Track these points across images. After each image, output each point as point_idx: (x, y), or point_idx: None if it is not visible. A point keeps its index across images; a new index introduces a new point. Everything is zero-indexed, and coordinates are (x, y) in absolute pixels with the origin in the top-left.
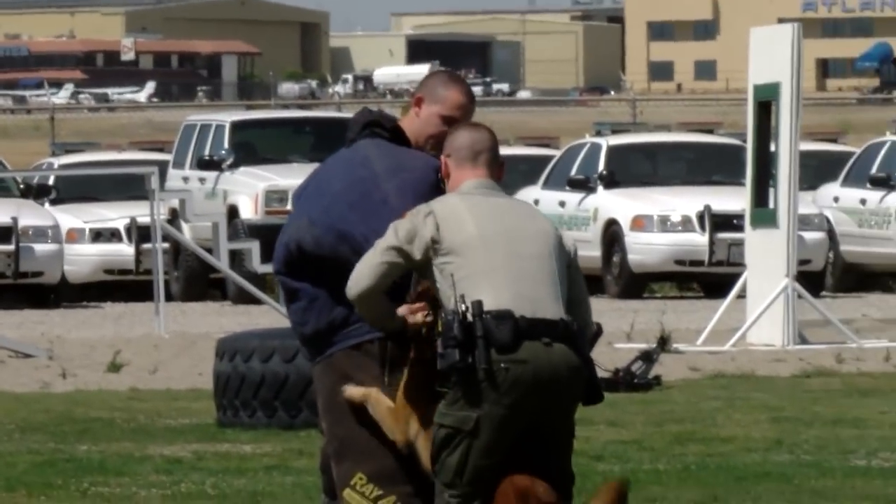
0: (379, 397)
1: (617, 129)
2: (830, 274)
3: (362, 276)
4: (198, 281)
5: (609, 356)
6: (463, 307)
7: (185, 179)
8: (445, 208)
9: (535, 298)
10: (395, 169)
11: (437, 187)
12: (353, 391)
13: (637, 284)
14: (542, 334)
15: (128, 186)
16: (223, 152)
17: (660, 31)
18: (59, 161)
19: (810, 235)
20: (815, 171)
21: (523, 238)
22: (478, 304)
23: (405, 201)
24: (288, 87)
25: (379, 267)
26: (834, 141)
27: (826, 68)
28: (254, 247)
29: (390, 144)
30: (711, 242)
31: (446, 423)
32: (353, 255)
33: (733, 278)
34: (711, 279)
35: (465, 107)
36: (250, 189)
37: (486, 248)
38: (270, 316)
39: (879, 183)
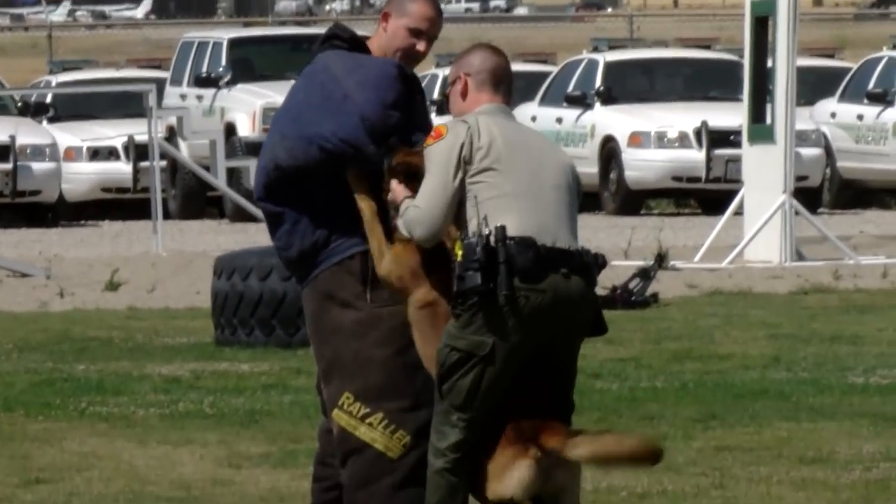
0: (374, 226)
1: (614, 45)
2: (827, 190)
3: (432, 219)
4: (195, 199)
5: (606, 274)
6: (487, 231)
7: (183, 97)
8: (479, 125)
9: (556, 228)
10: (354, 68)
11: (397, 80)
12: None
13: (634, 201)
14: (561, 265)
15: (125, 104)
16: (220, 69)
17: None
18: (56, 79)
19: (807, 151)
20: (812, 86)
21: (546, 166)
22: (501, 230)
23: (366, 94)
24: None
25: (446, 206)
26: (831, 56)
27: None
28: (251, 164)
29: (349, 52)
30: (708, 158)
31: (459, 347)
32: (323, 157)
33: (730, 195)
34: (708, 195)
35: (432, 19)
36: (248, 106)
37: (514, 171)
38: (268, 234)
39: (876, 98)
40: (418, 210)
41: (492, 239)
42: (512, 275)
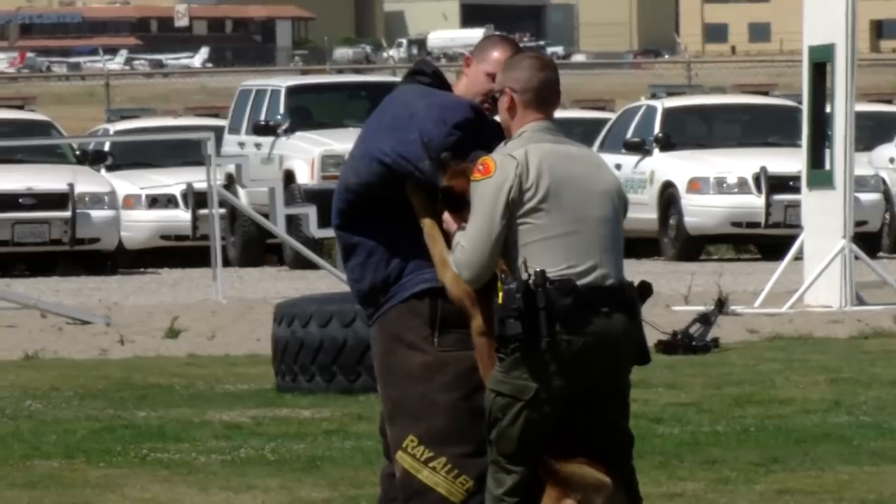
0: (433, 232)
1: (672, 92)
2: (887, 235)
3: (477, 263)
4: (255, 246)
5: (667, 319)
6: (526, 275)
7: (241, 145)
8: (528, 161)
9: (600, 265)
10: (428, 94)
11: (468, 109)
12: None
13: (694, 247)
14: (603, 304)
15: (183, 152)
16: (279, 117)
17: None
18: (114, 127)
19: (866, 196)
20: (871, 132)
21: (591, 196)
22: (541, 274)
23: (431, 113)
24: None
25: (491, 250)
26: (889, 102)
27: (880, 29)
28: (310, 211)
29: (430, 87)
30: (768, 204)
31: (504, 392)
32: (383, 171)
33: (790, 240)
34: (768, 241)
35: None
36: (306, 154)
37: (560, 209)
38: (328, 280)
39: None
40: (464, 252)
41: (531, 283)
42: (552, 321)
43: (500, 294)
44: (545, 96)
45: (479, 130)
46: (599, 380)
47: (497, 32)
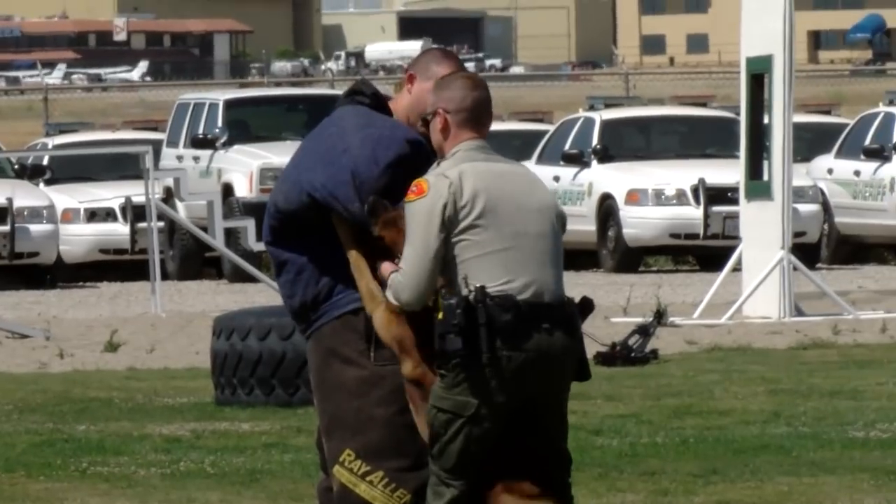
0: (359, 263)
1: (610, 104)
2: (825, 246)
3: (417, 285)
4: (193, 259)
5: (605, 330)
6: (466, 291)
7: (180, 158)
8: (462, 179)
9: (540, 281)
10: (364, 125)
11: (404, 145)
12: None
13: (632, 258)
14: (544, 320)
15: (122, 166)
16: (217, 130)
17: (651, 4)
18: (53, 141)
19: (805, 207)
20: (809, 143)
21: (528, 213)
22: (481, 290)
23: (364, 150)
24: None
25: (431, 270)
26: (827, 113)
27: (818, 40)
28: (249, 225)
29: (369, 110)
30: (706, 215)
31: (445, 408)
32: (312, 204)
33: (729, 251)
34: (707, 252)
35: None
36: (245, 167)
37: (497, 226)
38: (267, 294)
39: (873, 154)
40: (404, 275)
41: (471, 299)
42: (493, 336)
43: (441, 310)
44: (478, 116)
45: (414, 166)
46: (540, 396)
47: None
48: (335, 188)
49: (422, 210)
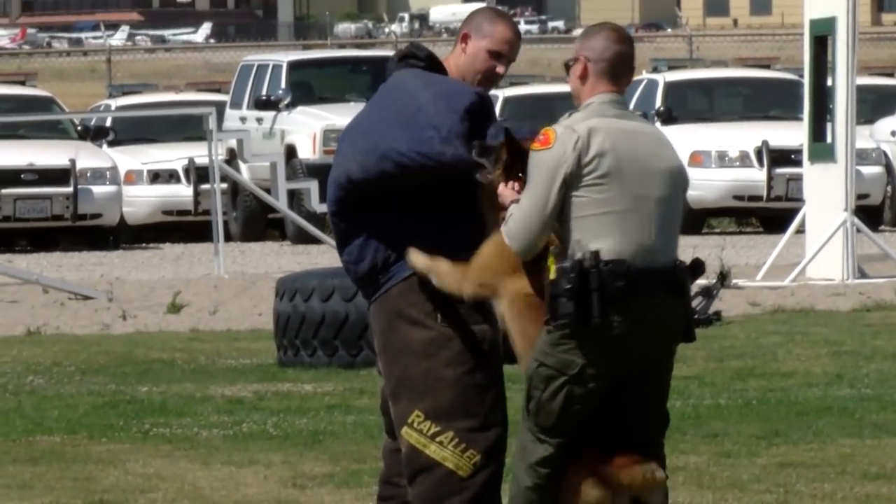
0: (440, 266)
1: (673, 66)
2: (889, 208)
3: (529, 235)
4: (256, 221)
5: None
6: (580, 255)
7: (243, 120)
8: (590, 136)
9: (654, 246)
10: (429, 84)
11: (473, 95)
12: (416, 259)
13: (696, 220)
14: (656, 287)
15: (185, 127)
16: (280, 92)
17: None
18: (116, 103)
19: (868, 169)
20: (872, 105)
21: (652, 175)
22: (595, 255)
23: (438, 107)
24: (344, 27)
25: (544, 223)
26: (890, 75)
27: (882, 2)
28: (312, 186)
29: (425, 72)
30: (770, 177)
31: (549, 364)
32: (399, 171)
33: (792, 213)
34: (770, 214)
35: (511, 41)
36: (308, 129)
37: (619, 186)
38: (329, 255)
39: None
40: (516, 222)
41: (585, 264)
42: (605, 302)
43: (553, 270)
44: (618, 69)
45: (484, 116)
46: (645, 361)
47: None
48: (422, 147)
49: (546, 161)
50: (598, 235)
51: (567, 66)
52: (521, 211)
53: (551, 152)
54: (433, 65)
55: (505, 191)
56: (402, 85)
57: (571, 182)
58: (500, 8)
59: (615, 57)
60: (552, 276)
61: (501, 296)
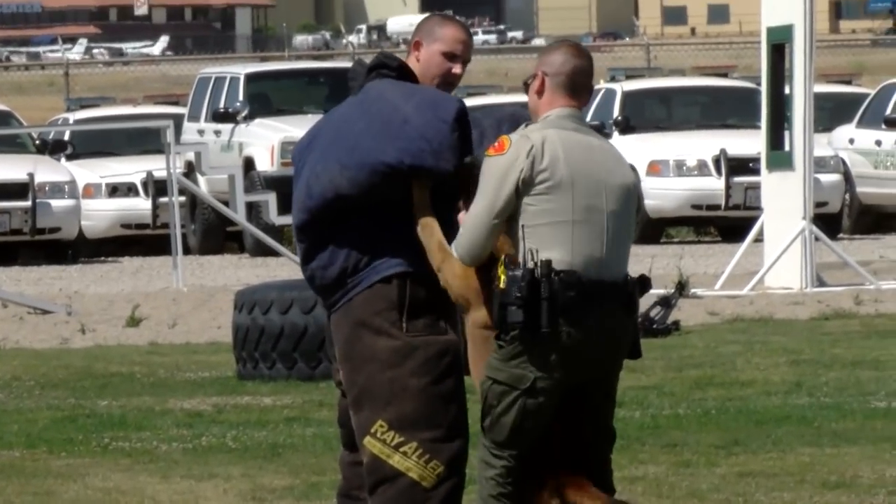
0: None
1: (631, 75)
2: (847, 216)
3: (474, 240)
4: (215, 234)
5: None
6: (531, 264)
7: (201, 132)
8: (544, 144)
9: (606, 259)
10: (410, 94)
11: (455, 102)
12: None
13: (654, 229)
14: (606, 299)
15: (143, 140)
16: (238, 104)
17: None
18: (74, 116)
19: (826, 178)
20: (830, 113)
21: (606, 189)
22: (546, 264)
23: (425, 117)
24: (302, 39)
25: (491, 228)
26: (848, 83)
27: (839, 10)
28: (270, 199)
29: (400, 81)
30: (728, 186)
31: (500, 379)
32: (388, 185)
33: (750, 222)
34: (728, 223)
35: (464, 41)
36: (266, 141)
37: (571, 197)
38: (288, 267)
39: (894, 124)
40: (465, 228)
41: (537, 272)
42: (555, 312)
43: (502, 279)
44: (577, 83)
45: (468, 123)
46: (595, 373)
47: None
48: (415, 158)
49: (497, 166)
50: (550, 245)
51: (526, 85)
52: (469, 217)
53: (504, 157)
54: (404, 74)
55: (462, 213)
56: (382, 96)
57: (524, 188)
58: (445, 13)
59: (573, 70)
60: (501, 285)
61: (467, 317)
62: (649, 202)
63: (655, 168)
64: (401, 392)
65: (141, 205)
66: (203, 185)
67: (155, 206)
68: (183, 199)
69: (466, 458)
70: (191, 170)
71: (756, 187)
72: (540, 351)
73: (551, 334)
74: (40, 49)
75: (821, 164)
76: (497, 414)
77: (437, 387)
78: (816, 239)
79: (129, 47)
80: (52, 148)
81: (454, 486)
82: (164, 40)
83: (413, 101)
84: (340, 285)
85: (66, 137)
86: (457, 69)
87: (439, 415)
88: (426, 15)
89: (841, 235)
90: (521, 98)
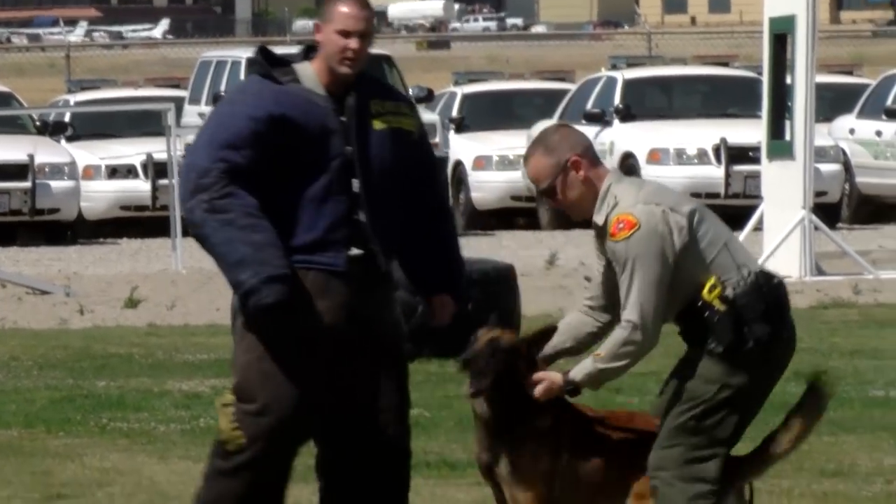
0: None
1: (632, 63)
2: (846, 205)
3: (651, 317)
4: None
5: None
6: (748, 274)
7: (202, 115)
8: (661, 197)
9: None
10: (221, 104)
11: (244, 119)
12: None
13: None
14: (786, 297)
15: (144, 123)
16: None
17: None
18: (75, 98)
19: (826, 167)
20: (831, 103)
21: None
22: (763, 274)
23: (198, 137)
24: (302, 24)
25: (663, 299)
26: (849, 73)
27: (840, 1)
28: None
29: (260, 79)
30: (727, 175)
31: (732, 384)
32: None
33: (750, 210)
34: (728, 211)
35: (355, 15)
36: None
37: (708, 221)
38: None
39: (894, 114)
40: (643, 316)
41: (760, 283)
42: (784, 315)
43: (719, 302)
44: (594, 152)
45: (277, 135)
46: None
47: None
48: (188, 164)
49: (643, 238)
50: (733, 263)
51: (551, 191)
52: (638, 300)
53: (643, 230)
54: (278, 65)
55: (545, 374)
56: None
57: (682, 239)
58: None
59: (587, 140)
60: (720, 307)
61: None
62: None
63: (655, 156)
64: (237, 363)
65: (140, 187)
66: None
67: (154, 189)
68: None
69: (278, 440)
70: None
71: (755, 176)
72: (765, 359)
73: (786, 339)
74: (41, 31)
75: (821, 154)
76: (724, 414)
77: (260, 363)
78: (816, 228)
79: (129, 30)
80: (52, 129)
81: (249, 460)
82: (164, 23)
83: (211, 114)
84: None
85: (67, 119)
86: (353, 44)
87: (255, 390)
88: (428, 1)
89: (840, 225)
90: (523, 85)
